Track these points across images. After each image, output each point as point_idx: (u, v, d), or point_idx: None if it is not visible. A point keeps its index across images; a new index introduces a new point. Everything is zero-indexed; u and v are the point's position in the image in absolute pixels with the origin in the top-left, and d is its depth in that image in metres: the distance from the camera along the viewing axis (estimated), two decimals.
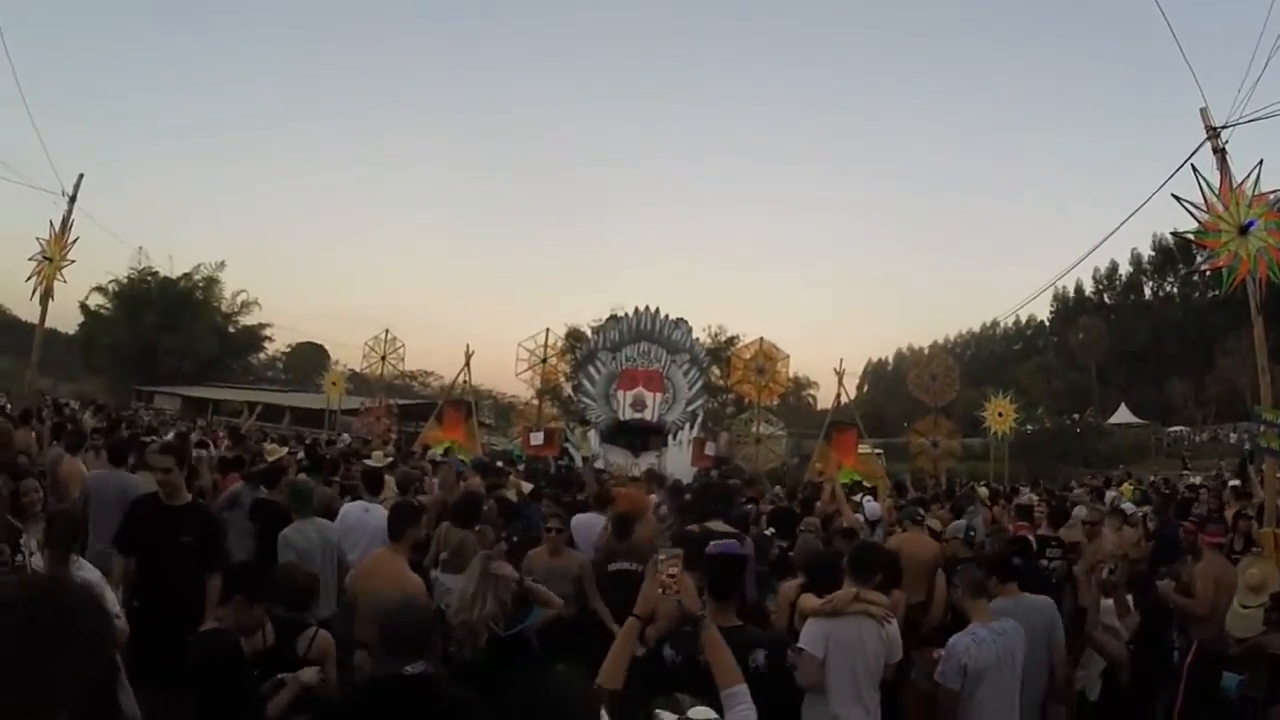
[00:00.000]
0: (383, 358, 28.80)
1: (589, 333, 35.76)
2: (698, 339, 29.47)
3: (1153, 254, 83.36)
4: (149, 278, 57.92)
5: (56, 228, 16.16)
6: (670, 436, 26.32)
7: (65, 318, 57.36)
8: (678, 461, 24.52)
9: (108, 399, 39.16)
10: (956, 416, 28.76)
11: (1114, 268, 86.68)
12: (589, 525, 8.75)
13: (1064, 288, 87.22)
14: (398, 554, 6.31)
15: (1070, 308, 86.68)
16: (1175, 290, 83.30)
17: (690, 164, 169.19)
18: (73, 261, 16.40)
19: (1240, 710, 6.12)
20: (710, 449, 26.23)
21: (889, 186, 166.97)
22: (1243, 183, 9.39)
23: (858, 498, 13.21)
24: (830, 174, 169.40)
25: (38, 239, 16.06)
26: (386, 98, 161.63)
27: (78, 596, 1.85)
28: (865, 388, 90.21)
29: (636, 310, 28.09)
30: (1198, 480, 25.97)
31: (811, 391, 72.05)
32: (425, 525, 8.22)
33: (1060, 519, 10.54)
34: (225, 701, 4.34)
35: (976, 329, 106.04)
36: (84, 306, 57.21)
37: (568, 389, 32.37)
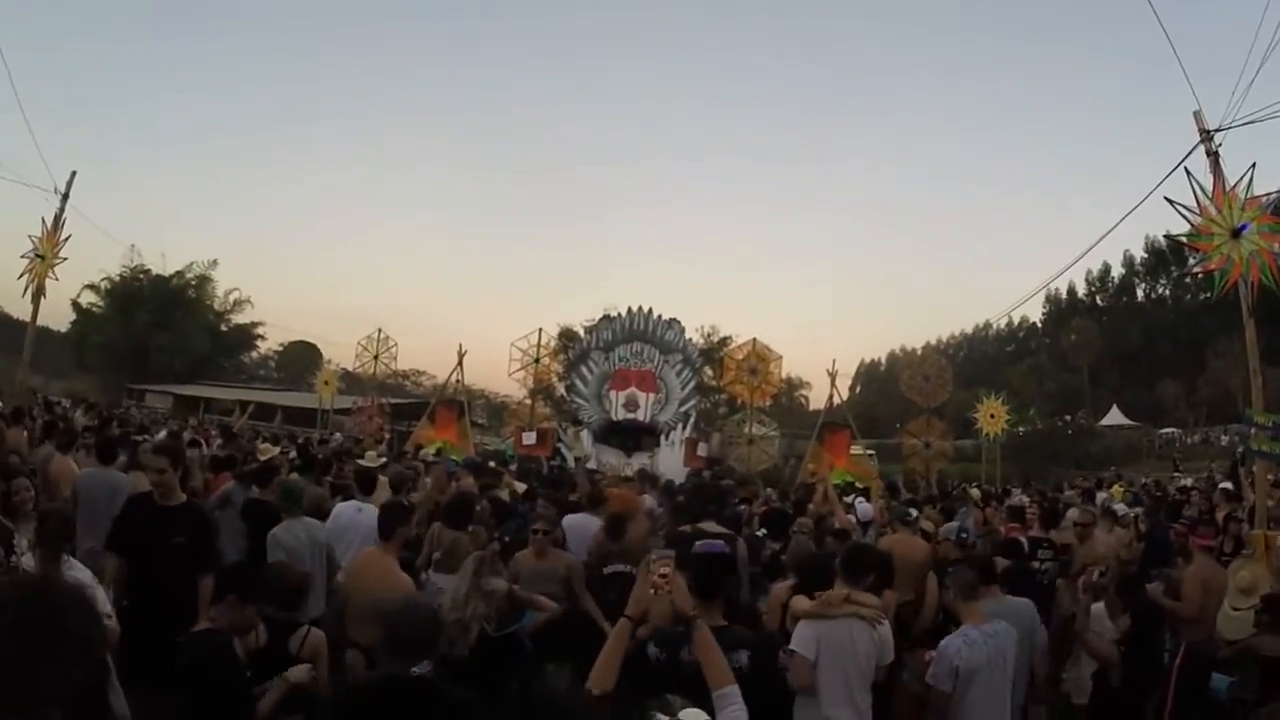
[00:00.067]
0: (375, 357, 28.75)
1: (582, 333, 35.67)
2: (691, 339, 29.49)
3: (1145, 256, 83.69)
4: (141, 275, 57.64)
5: (49, 225, 16.16)
6: (663, 437, 26.30)
7: (57, 315, 57.20)
8: (670, 462, 24.50)
9: (99, 397, 38.97)
10: (949, 418, 28.77)
11: (1106, 269, 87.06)
12: (581, 526, 8.75)
13: (1056, 289, 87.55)
14: (388, 553, 6.32)
15: (1063, 309, 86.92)
16: (1167, 292, 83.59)
17: (683, 165, 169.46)
18: (65, 259, 16.43)
19: (1230, 712, 6.12)
20: (703, 449, 26.23)
21: (882, 188, 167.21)
22: (1235, 186, 9.44)
23: (850, 499, 13.23)
24: (823, 175, 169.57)
25: (30, 236, 16.06)
26: (381, 98, 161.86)
27: (69, 597, 1.85)
28: (858, 388, 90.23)
29: (629, 310, 28.08)
30: (1189, 482, 26.06)
31: (804, 392, 72.18)
32: (416, 525, 8.26)
33: (1052, 520, 10.56)
34: (218, 702, 4.33)
35: (969, 330, 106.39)
36: (76, 304, 57.02)
37: (560, 389, 32.34)
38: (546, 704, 2.78)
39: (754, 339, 26.63)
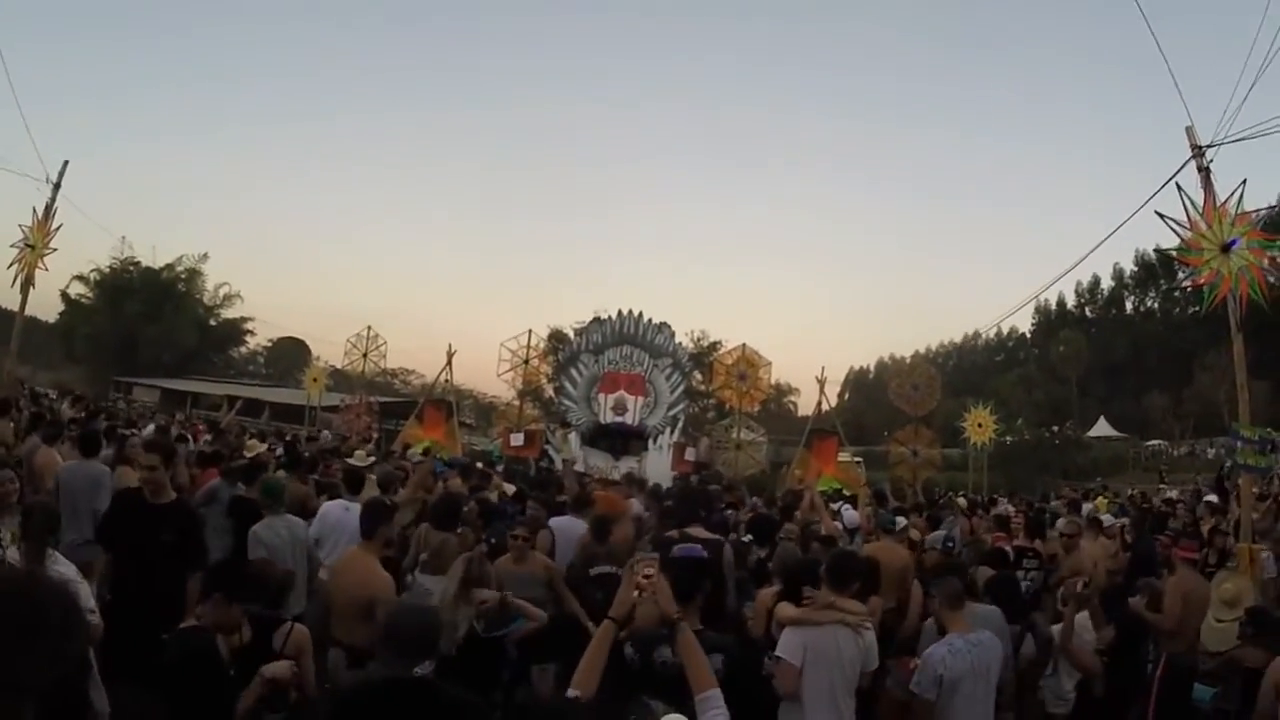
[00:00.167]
0: (364, 355, 28.75)
1: (571, 335, 35.72)
2: (680, 344, 29.50)
3: (1135, 269, 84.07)
4: (131, 267, 57.40)
5: (40, 215, 16.10)
6: (651, 441, 26.33)
7: (46, 306, 56.98)
8: (658, 466, 24.50)
9: (86, 389, 38.88)
10: (937, 426, 28.86)
11: (1096, 282, 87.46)
12: (568, 528, 8.74)
13: (1046, 300, 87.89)
14: (369, 552, 6.31)
15: (1052, 320, 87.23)
16: (1156, 306, 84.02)
17: (677, 169, 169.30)
18: (55, 249, 16.35)
19: None
20: (690, 454, 26.27)
21: (874, 196, 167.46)
22: (1226, 201, 9.49)
23: (836, 506, 13.23)
24: (815, 182, 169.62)
25: (20, 226, 15.99)
26: (376, 96, 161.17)
27: (51, 592, 1.85)
28: (847, 396, 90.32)
29: (619, 313, 28.11)
30: (1174, 494, 26.13)
31: (793, 398, 72.22)
32: (405, 525, 8.25)
33: (1037, 530, 10.60)
34: (201, 700, 4.32)
35: (958, 339, 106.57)
36: (65, 295, 56.78)
37: (549, 390, 32.35)
38: (537, 707, 2.78)
39: (743, 344, 26.77)
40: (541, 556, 7.67)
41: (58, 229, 16.29)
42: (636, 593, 3.73)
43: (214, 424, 23.18)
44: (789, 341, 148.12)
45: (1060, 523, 10.93)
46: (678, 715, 2.77)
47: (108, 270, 56.91)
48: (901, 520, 10.10)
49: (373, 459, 13.10)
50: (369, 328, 29.03)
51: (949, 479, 32.20)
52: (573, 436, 26.53)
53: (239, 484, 9.05)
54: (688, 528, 7.80)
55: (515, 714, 3.33)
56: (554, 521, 8.84)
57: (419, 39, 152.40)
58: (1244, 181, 9.52)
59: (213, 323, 62.19)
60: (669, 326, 28.22)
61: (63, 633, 1.77)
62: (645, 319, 27.72)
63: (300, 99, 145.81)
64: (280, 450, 15.26)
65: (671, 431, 26.82)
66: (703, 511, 8.57)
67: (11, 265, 15.93)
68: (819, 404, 25.69)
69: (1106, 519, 12.31)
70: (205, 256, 60.10)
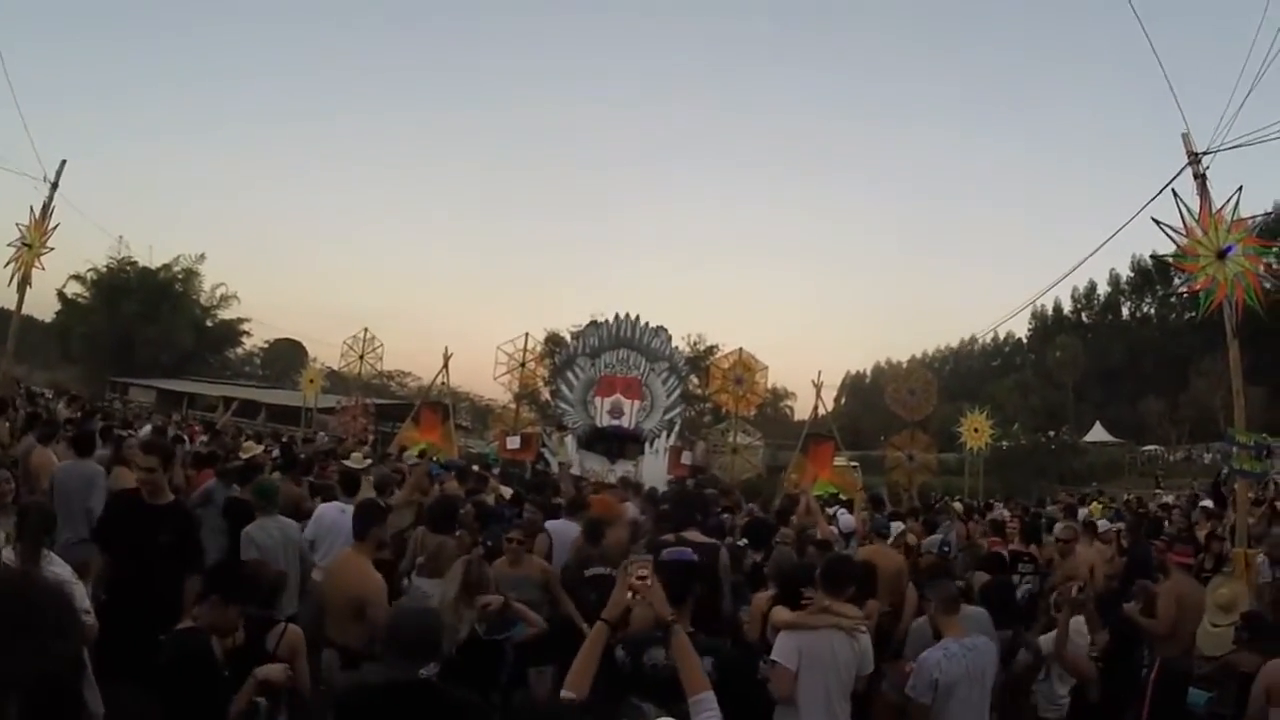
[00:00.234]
0: (361, 356, 28.70)
1: (568, 338, 35.73)
2: (677, 347, 29.54)
3: (1131, 275, 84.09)
4: (128, 267, 57.31)
5: (37, 214, 16.08)
6: (647, 444, 26.35)
7: (42, 305, 56.86)
8: (654, 469, 24.53)
9: (82, 389, 38.83)
10: (933, 431, 28.84)
11: (1092, 287, 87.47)
12: (564, 531, 8.75)
13: (1042, 306, 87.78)
14: (361, 553, 6.31)
15: (1048, 326, 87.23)
16: (1152, 311, 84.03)
17: (674, 172, 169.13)
18: (52, 249, 16.33)
19: None
20: (687, 458, 26.34)
21: (871, 200, 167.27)
22: (1222, 208, 9.50)
23: (831, 510, 13.25)
24: (811, 186, 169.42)
25: (17, 225, 15.97)
26: (375, 97, 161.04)
27: (46, 593, 1.85)
28: (843, 400, 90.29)
29: (616, 317, 28.15)
30: (1170, 499, 26.15)
31: (789, 402, 72.44)
32: (405, 528, 8.24)
33: (1033, 535, 10.62)
34: (195, 701, 4.32)
35: (955, 345, 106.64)
36: (61, 295, 56.77)
37: (546, 394, 32.35)
38: (533, 710, 2.79)
39: (740, 349, 26.80)
40: (537, 559, 7.67)
41: (55, 228, 16.26)
42: (630, 594, 3.74)
43: (210, 425, 23.17)
44: (786, 345, 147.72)
45: (1057, 528, 10.94)
46: (667, 717, 2.77)
47: (104, 270, 56.87)
48: (899, 525, 10.11)
49: (369, 461, 13.10)
50: (366, 329, 29.03)
51: (945, 484, 32.24)
52: (569, 440, 26.54)
53: (234, 485, 9.06)
54: (684, 531, 7.81)
55: (512, 716, 3.33)
56: (549, 524, 8.84)
57: (418, 39, 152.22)
58: (1240, 188, 9.55)
59: (209, 323, 62.15)
60: (666, 330, 28.30)
61: (56, 633, 1.77)
62: (642, 323, 27.77)
63: (299, 99, 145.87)
64: (276, 452, 15.25)
65: (668, 435, 26.84)
66: (699, 515, 8.58)
67: (8, 264, 15.90)
68: (815, 408, 25.68)
69: (1102, 524, 12.33)
70: (202, 257, 60.11)
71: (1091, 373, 76.34)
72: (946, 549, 9.70)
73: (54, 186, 16.35)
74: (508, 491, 12.45)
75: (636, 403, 26.71)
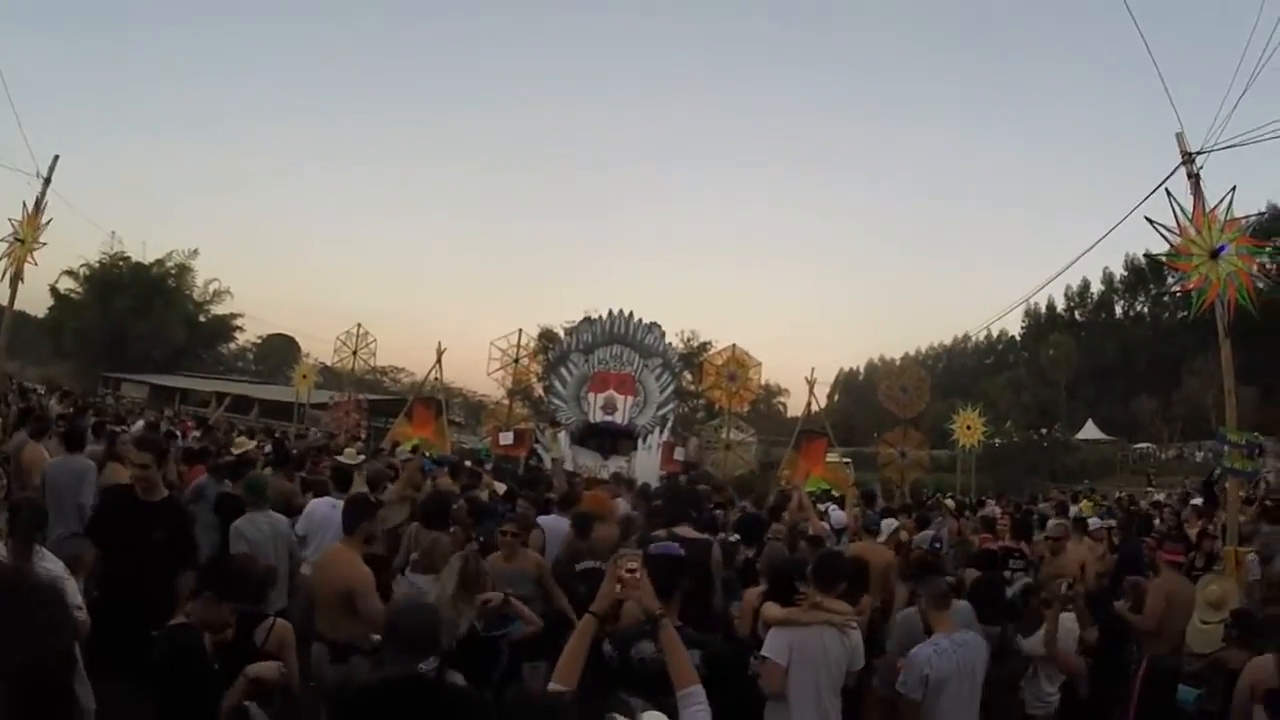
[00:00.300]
0: (354, 352, 28.57)
1: (562, 334, 35.70)
2: (670, 344, 29.55)
3: (1124, 274, 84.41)
4: (121, 263, 57.27)
5: (30, 209, 16.01)
6: (640, 440, 26.35)
7: (35, 301, 56.74)
8: (646, 465, 24.55)
9: (75, 385, 38.77)
10: (926, 428, 28.85)
11: (1086, 286, 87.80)
12: (556, 526, 8.76)
13: (1036, 304, 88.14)
14: (350, 547, 6.30)
15: (1042, 324, 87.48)
16: (1145, 310, 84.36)
17: (669, 170, 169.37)
18: (45, 244, 16.26)
19: None
20: (679, 454, 26.34)
21: (865, 198, 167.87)
22: (1215, 208, 9.51)
23: (823, 507, 13.26)
24: (808, 183, 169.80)
25: (10, 220, 15.91)
26: (369, 94, 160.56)
27: (37, 589, 1.85)
28: (836, 397, 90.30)
29: (610, 313, 28.16)
30: (1161, 497, 26.22)
31: (782, 399, 72.52)
32: (398, 522, 8.24)
33: (1024, 532, 10.65)
34: (187, 697, 4.32)
35: (948, 342, 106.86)
36: (54, 290, 56.69)
37: (539, 390, 32.33)
38: (524, 704, 2.80)
39: (733, 345, 26.73)
40: (532, 553, 7.68)
41: (48, 223, 16.19)
42: (619, 587, 3.75)
43: (203, 420, 23.14)
44: (779, 342, 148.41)
45: (1048, 525, 10.97)
46: (657, 713, 2.77)
47: (97, 265, 56.84)
48: (893, 522, 10.12)
49: (362, 457, 13.09)
50: (359, 325, 28.87)
51: (937, 480, 32.25)
52: (562, 435, 26.55)
53: (226, 481, 9.05)
54: (676, 527, 7.82)
55: (505, 711, 3.32)
56: (542, 519, 8.86)
57: (417, 38, 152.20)
58: (1234, 188, 9.56)
59: (202, 319, 62.17)
60: (659, 326, 28.29)
61: (48, 628, 1.77)
62: (636, 319, 27.78)
63: (294, 96, 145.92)
64: (269, 447, 15.23)
65: (661, 431, 26.87)
66: (692, 511, 8.59)
67: (0, 259, 15.85)
68: (808, 405, 25.72)
69: (1094, 522, 12.35)
70: (195, 252, 60.12)
71: (1084, 371, 76.54)
72: (938, 545, 9.71)
73: (47, 181, 16.26)
74: (501, 487, 12.43)
75: (630, 399, 26.72)
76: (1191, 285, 9.61)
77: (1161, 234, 9.64)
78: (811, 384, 24.76)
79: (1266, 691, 5.36)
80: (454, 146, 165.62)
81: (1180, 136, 10.16)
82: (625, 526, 9.00)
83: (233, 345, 72.13)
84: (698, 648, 4.38)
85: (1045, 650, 6.63)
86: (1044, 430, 59.13)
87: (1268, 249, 10.11)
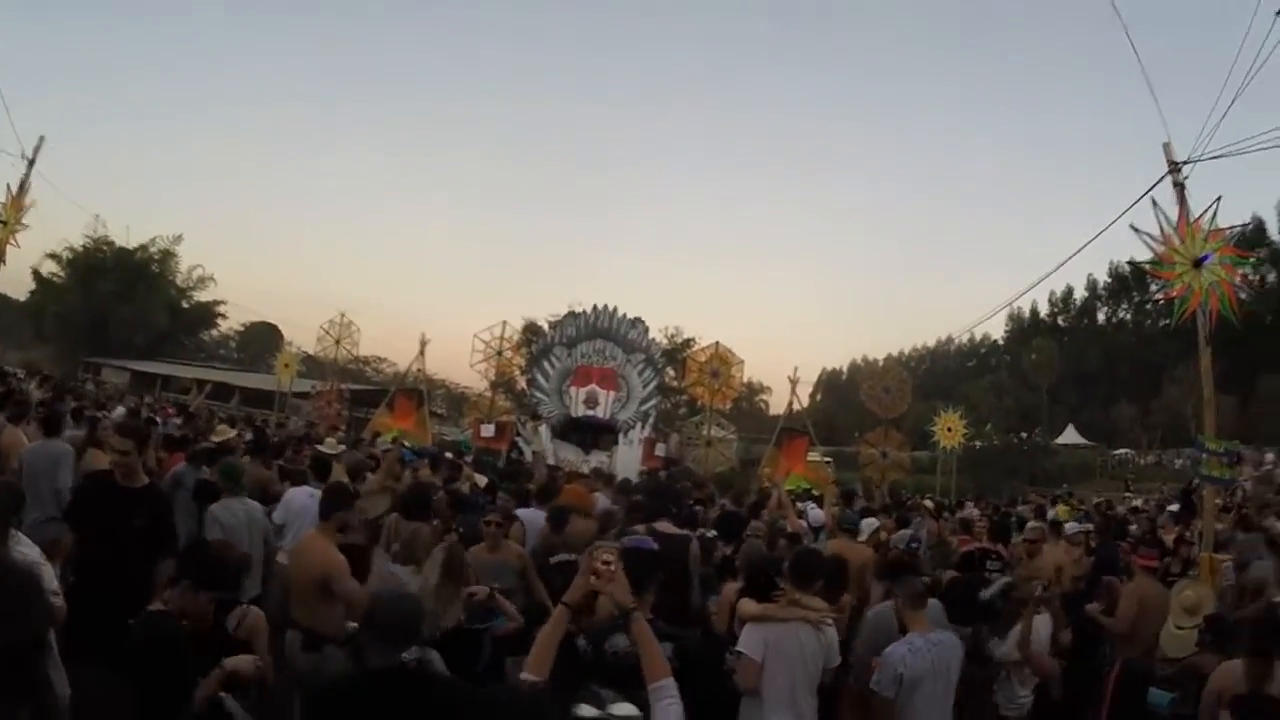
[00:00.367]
0: (337, 341, 28.45)
1: (546, 327, 35.69)
2: (654, 339, 29.53)
3: (1108, 281, 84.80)
4: (104, 247, 56.88)
5: (13, 190, 15.92)
6: (621, 435, 26.37)
7: (17, 284, 56.39)
8: (627, 460, 24.59)
9: (55, 369, 38.54)
10: (907, 429, 28.95)
11: (1069, 291, 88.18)
12: (536, 518, 8.74)
13: (1019, 308, 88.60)
14: (324, 535, 6.30)
15: (1025, 328, 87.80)
16: (1128, 317, 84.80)
17: (657, 166, 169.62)
18: (28, 226, 16.18)
19: None
20: (661, 450, 26.36)
21: (852, 199, 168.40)
22: (1199, 218, 9.55)
23: (802, 506, 13.29)
24: (793, 184, 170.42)
25: None
26: (356, 83, 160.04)
27: (13, 573, 1.85)
28: (818, 396, 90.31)
29: (594, 307, 28.13)
30: (1139, 503, 26.36)
31: (765, 397, 72.65)
32: (379, 513, 8.23)
33: (1001, 534, 10.70)
34: (163, 684, 4.30)
35: (931, 344, 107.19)
36: (36, 273, 56.32)
37: (522, 382, 32.27)
38: (503, 695, 2.81)
39: (717, 342, 26.70)
40: (515, 545, 7.65)
41: (31, 206, 16.12)
42: (593, 578, 3.75)
43: (184, 408, 23.04)
44: (763, 341, 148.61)
45: (1026, 527, 11.03)
46: (627, 704, 2.78)
47: (80, 249, 56.46)
48: (874, 522, 10.14)
49: (343, 447, 13.05)
50: (342, 314, 28.78)
51: (917, 481, 32.38)
52: (543, 429, 26.51)
53: (203, 468, 9.03)
54: (656, 522, 7.83)
55: (481, 701, 3.32)
56: (520, 511, 8.84)
57: (416, 27, 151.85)
58: (1218, 199, 9.60)
59: (185, 305, 61.84)
60: (643, 322, 28.30)
61: (21, 612, 1.76)
62: (620, 314, 27.76)
63: (284, 84, 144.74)
64: (249, 436, 15.18)
65: (642, 427, 26.88)
66: (672, 507, 8.60)
67: None
68: (790, 403, 25.76)
69: (1071, 526, 12.40)
70: (179, 238, 59.78)
71: (1066, 376, 76.80)
72: (915, 545, 9.76)
73: (31, 163, 16.19)
74: (482, 480, 12.43)
75: (612, 393, 26.70)
76: (1174, 293, 9.66)
77: (1145, 242, 9.68)
78: (794, 382, 24.82)
79: (1234, 698, 5.40)
80: (447, 138, 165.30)
81: (1167, 146, 10.20)
82: (605, 521, 9.00)
83: (215, 332, 71.77)
84: (670, 641, 4.40)
85: (1019, 652, 6.67)
86: (1024, 434, 59.40)
87: (1251, 260, 10.15)
